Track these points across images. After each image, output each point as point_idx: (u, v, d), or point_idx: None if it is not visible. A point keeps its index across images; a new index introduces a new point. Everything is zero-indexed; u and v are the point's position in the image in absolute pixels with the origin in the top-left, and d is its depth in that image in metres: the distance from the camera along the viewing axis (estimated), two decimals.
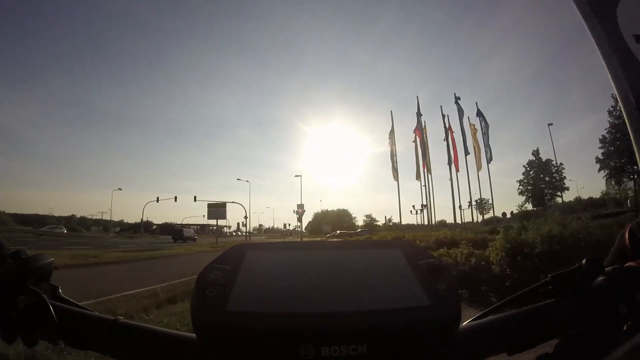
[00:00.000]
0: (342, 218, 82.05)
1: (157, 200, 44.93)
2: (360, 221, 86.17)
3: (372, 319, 0.32)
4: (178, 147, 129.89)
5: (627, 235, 0.46)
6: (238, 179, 55.62)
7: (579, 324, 0.38)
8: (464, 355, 0.37)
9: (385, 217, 76.17)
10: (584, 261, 0.40)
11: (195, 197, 43.04)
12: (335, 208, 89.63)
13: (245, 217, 42.23)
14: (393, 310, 0.33)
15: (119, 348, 0.39)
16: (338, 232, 47.34)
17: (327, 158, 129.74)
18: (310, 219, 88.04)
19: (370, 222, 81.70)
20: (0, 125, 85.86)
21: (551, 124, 35.32)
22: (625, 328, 0.37)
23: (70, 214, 70.04)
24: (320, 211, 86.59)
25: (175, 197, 44.86)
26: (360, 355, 0.31)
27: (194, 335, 0.36)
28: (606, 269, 0.39)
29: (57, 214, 64.38)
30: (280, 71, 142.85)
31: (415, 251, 0.42)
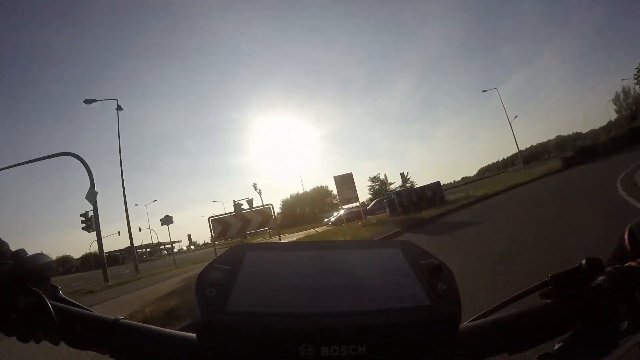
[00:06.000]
0: (322, 198, 62.73)
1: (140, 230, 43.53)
2: (362, 193, 61.68)
3: (372, 319, 0.32)
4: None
5: (626, 236, 0.46)
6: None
7: (579, 323, 0.38)
8: (464, 355, 0.37)
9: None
10: (583, 261, 0.40)
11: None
12: (307, 189, 67.37)
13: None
14: (393, 310, 0.33)
15: (119, 348, 0.39)
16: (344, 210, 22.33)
17: (279, 150, 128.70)
18: (279, 209, 64.63)
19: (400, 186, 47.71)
20: None
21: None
22: (625, 327, 0.38)
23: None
24: (289, 197, 66.42)
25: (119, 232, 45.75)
26: (360, 355, 0.31)
27: (194, 335, 0.36)
28: (606, 268, 0.39)
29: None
30: (219, 73, 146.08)
31: (415, 251, 0.42)
